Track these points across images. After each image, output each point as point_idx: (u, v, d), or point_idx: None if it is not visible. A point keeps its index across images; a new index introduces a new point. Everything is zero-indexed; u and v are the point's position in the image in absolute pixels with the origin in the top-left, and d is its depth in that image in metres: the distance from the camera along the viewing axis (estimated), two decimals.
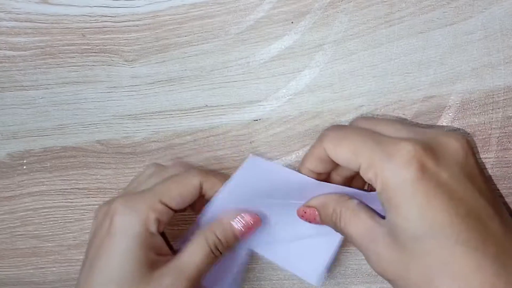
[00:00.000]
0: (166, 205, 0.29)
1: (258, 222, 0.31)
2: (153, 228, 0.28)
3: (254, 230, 0.31)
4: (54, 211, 0.38)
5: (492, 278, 0.22)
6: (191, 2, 0.34)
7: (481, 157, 0.32)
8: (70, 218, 0.38)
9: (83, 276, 0.28)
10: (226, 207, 0.31)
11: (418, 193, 0.23)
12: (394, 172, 0.24)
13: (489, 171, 0.31)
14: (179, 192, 0.29)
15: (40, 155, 0.38)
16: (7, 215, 0.39)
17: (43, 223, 0.38)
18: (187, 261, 0.28)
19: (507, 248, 0.23)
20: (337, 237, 0.31)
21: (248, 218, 0.30)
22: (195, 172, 0.30)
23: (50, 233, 0.38)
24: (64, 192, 0.38)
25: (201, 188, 0.30)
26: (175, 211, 0.29)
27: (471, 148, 0.26)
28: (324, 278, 0.32)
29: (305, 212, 0.30)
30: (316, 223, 0.30)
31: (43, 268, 0.38)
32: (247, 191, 0.31)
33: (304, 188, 0.30)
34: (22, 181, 0.38)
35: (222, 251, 0.30)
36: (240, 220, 0.30)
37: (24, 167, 0.38)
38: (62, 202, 0.38)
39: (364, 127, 0.28)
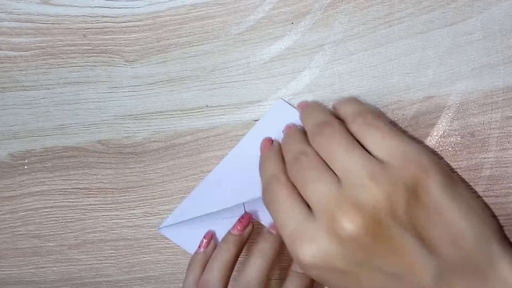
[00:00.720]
0: None
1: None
2: None
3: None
4: (55, 210, 0.38)
5: None
6: (192, 3, 0.34)
7: (481, 157, 0.32)
8: (71, 217, 0.38)
9: None
10: (241, 160, 0.34)
11: (329, 283, 0.26)
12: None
13: (488, 171, 0.32)
14: None
15: (41, 155, 0.38)
16: (8, 214, 0.39)
17: (44, 223, 0.38)
18: None
19: None
20: None
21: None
22: None
23: (51, 233, 0.38)
24: (65, 192, 0.38)
25: None
26: None
27: (363, 226, 0.24)
28: None
29: None
30: None
31: (44, 267, 0.39)
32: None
33: None
34: (23, 181, 0.38)
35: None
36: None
37: (25, 167, 0.38)
38: (63, 202, 0.38)
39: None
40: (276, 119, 0.34)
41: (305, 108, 0.31)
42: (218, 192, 0.35)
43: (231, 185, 0.34)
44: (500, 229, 0.26)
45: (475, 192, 0.32)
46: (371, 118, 0.27)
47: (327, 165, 0.26)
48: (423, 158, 0.25)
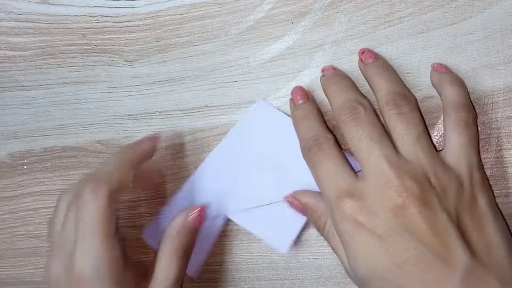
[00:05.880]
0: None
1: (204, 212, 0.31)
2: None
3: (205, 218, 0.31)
4: None
5: None
6: (191, 3, 0.34)
7: (481, 157, 0.32)
8: None
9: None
10: (221, 163, 0.33)
11: (358, 244, 0.26)
12: (338, 225, 0.27)
13: (489, 171, 0.31)
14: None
15: (40, 155, 0.38)
16: (7, 215, 0.39)
17: (43, 223, 0.38)
18: (165, 279, 0.29)
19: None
20: None
21: (197, 212, 0.31)
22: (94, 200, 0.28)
23: None
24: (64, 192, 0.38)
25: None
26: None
27: (415, 198, 0.25)
28: (292, 246, 0.33)
29: (291, 202, 0.31)
30: (299, 213, 0.32)
31: (43, 268, 0.38)
32: (246, 140, 0.33)
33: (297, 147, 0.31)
34: (23, 181, 0.38)
35: (191, 249, 0.31)
36: (193, 215, 0.31)
37: (25, 167, 0.38)
38: None
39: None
40: (258, 120, 0.34)
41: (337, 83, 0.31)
42: (199, 198, 0.34)
43: (211, 193, 0.34)
44: None
45: None
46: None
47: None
48: (480, 169, 0.28)
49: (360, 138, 0.27)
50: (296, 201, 0.31)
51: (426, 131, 0.29)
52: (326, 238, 0.30)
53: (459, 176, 0.27)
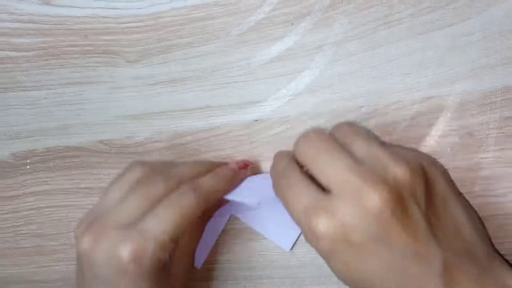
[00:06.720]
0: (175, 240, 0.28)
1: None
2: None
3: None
4: (57, 210, 0.38)
5: None
6: (193, 4, 0.34)
7: (479, 157, 0.32)
8: (73, 217, 0.38)
9: None
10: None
11: (336, 258, 0.26)
12: (313, 246, 0.26)
13: (487, 171, 0.32)
14: (182, 223, 0.28)
15: (43, 155, 0.38)
16: (10, 214, 0.39)
17: (46, 222, 0.38)
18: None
19: None
20: None
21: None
22: (193, 198, 0.29)
23: (54, 232, 0.38)
24: (67, 191, 0.38)
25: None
26: None
27: (385, 201, 0.24)
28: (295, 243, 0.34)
29: None
30: None
31: (46, 266, 0.39)
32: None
33: None
34: (26, 180, 0.38)
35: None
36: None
37: (28, 166, 0.38)
38: (65, 201, 0.38)
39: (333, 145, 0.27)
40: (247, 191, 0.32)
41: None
42: None
43: None
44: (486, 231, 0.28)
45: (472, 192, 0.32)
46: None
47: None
48: (428, 154, 0.28)
49: (319, 162, 0.27)
50: None
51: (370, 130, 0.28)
52: None
53: (417, 158, 0.27)
